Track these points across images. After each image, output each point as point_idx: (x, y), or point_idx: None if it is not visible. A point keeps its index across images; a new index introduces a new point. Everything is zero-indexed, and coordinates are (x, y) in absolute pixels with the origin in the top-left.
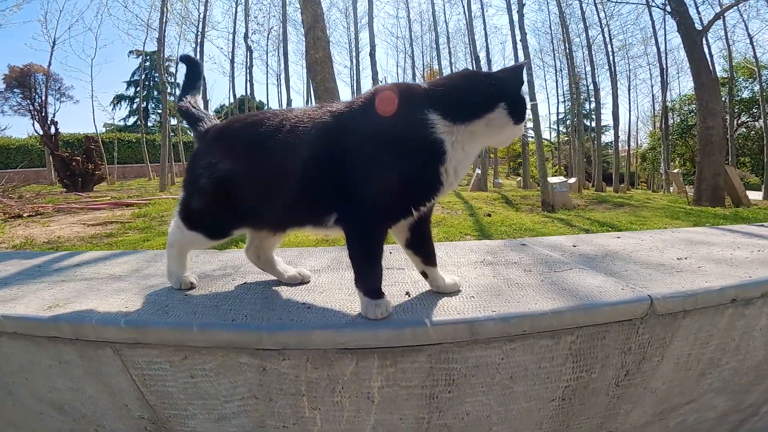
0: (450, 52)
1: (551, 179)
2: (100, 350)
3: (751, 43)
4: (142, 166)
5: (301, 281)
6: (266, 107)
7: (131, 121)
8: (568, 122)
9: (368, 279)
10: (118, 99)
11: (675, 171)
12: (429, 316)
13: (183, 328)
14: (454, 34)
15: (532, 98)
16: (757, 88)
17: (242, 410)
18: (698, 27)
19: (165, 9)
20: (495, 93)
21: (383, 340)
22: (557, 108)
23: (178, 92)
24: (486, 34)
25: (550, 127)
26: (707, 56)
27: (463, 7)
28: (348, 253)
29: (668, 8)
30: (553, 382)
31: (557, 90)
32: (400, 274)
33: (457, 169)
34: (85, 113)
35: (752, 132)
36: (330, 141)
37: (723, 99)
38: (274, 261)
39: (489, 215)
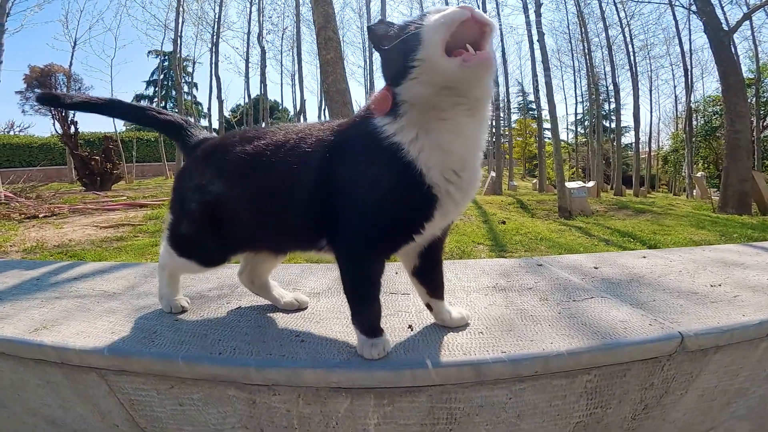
0: None
1: (569, 184)
2: (86, 374)
3: None
4: (160, 164)
5: (297, 308)
6: (281, 106)
7: None
8: (586, 123)
9: (363, 316)
10: (138, 98)
11: (698, 174)
12: (431, 355)
13: (167, 360)
14: None
15: (551, 101)
16: None
17: None
18: (725, 27)
19: (181, 10)
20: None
21: (380, 380)
22: (575, 109)
23: (195, 92)
24: (501, 34)
25: (567, 128)
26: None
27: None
28: (342, 286)
29: (693, 8)
30: (564, 419)
31: (575, 90)
32: (404, 301)
33: (459, 170)
34: None
35: None
36: (317, 163)
37: (749, 100)
38: (269, 286)
39: (503, 222)
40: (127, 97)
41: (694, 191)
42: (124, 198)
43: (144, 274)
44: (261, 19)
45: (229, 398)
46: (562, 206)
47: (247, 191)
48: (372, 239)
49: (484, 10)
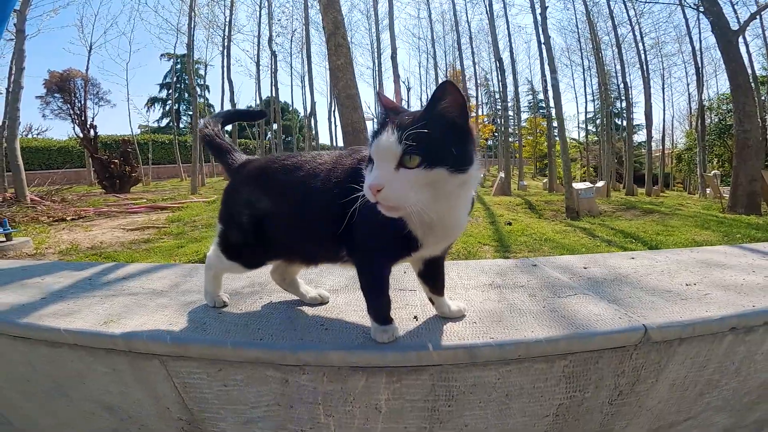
0: (473, 52)
1: (577, 185)
2: (149, 361)
3: None
4: (175, 166)
5: (320, 302)
6: (291, 108)
7: (164, 122)
8: (597, 121)
9: (376, 308)
10: (152, 101)
11: (712, 173)
12: (432, 340)
13: (219, 345)
14: (477, 34)
15: (558, 104)
16: None
17: (266, 415)
18: (734, 27)
19: (192, 14)
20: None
21: (390, 360)
22: (585, 107)
23: (207, 94)
24: (509, 33)
25: (578, 127)
26: (744, 56)
27: (485, 7)
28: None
29: (701, 8)
30: (548, 400)
31: (585, 89)
32: (411, 296)
33: (434, 225)
34: (122, 116)
35: None
36: (341, 193)
37: (762, 98)
38: (297, 283)
39: (509, 223)
40: (142, 101)
41: (707, 190)
42: (144, 200)
43: (183, 274)
44: (270, 23)
45: (266, 378)
46: (570, 207)
47: (287, 211)
48: (378, 254)
49: (492, 12)
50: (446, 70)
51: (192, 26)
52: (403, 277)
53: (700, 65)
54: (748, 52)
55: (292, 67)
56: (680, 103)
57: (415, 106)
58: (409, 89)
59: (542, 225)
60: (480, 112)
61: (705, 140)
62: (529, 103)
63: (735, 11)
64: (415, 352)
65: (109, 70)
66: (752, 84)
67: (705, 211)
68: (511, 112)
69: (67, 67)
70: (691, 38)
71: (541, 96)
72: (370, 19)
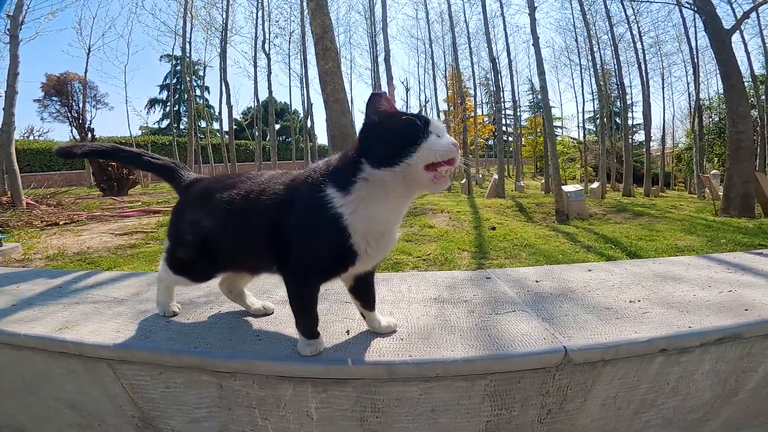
0: (471, 52)
1: (566, 187)
2: (98, 364)
3: None
4: None
5: (264, 313)
6: (290, 108)
7: (164, 123)
8: (597, 121)
9: (302, 323)
10: (152, 103)
11: (713, 172)
12: (355, 355)
13: (157, 352)
14: (475, 34)
15: (546, 105)
16: None
17: (210, 416)
18: (728, 26)
19: (186, 18)
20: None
21: (313, 372)
22: (583, 107)
23: (207, 95)
24: (506, 34)
25: (578, 126)
26: (742, 55)
27: (482, 8)
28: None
29: (695, 7)
30: (474, 417)
31: (583, 89)
32: (351, 309)
33: (370, 237)
34: (121, 118)
35: None
36: (274, 212)
37: (762, 97)
38: (244, 295)
39: (494, 228)
40: (142, 102)
41: (705, 190)
42: (140, 203)
43: (148, 282)
44: (264, 26)
45: (203, 382)
46: (560, 210)
47: (227, 228)
48: (310, 272)
49: (486, 14)
50: (445, 70)
51: (190, 29)
52: (343, 289)
53: (697, 64)
54: (746, 51)
55: (290, 69)
56: (681, 102)
57: (415, 106)
58: (408, 90)
59: (527, 230)
60: (480, 112)
61: (704, 140)
62: (530, 102)
63: (733, 9)
64: (336, 366)
65: (108, 72)
66: (750, 83)
67: (696, 214)
68: (510, 112)
69: (65, 70)
70: (688, 37)
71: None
72: (368, 20)
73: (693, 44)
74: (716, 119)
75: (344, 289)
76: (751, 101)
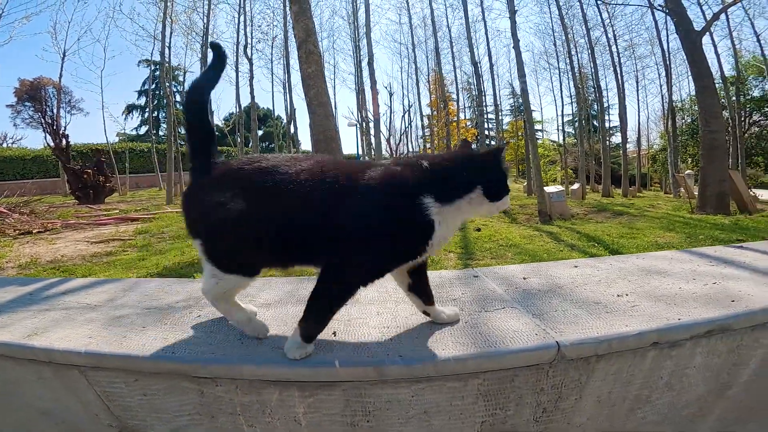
0: (454, 56)
1: (548, 188)
2: (69, 371)
3: (758, 41)
4: (153, 175)
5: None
6: (273, 114)
7: (143, 130)
8: (576, 124)
9: (316, 323)
10: (130, 109)
11: (687, 172)
12: (343, 357)
13: (132, 358)
14: (457, 39)
15: (527, 108)
16: (767, 86)
17: (192, 423)
18: (699, 28)
19: (165, 23)
20: (473, 177)
21: (300, 376)
22: (562, 110)
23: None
24: (488, 38)
25: (558, 129)
26: (713, 56)
27: (464, 12)
28: (311, 293)
29: (667, 9)
30: (468, 417)
31: (561, 92)
32: (342, 310)
33: (441, 240)
34: (97, 124)
35: (764, 131)
36: (338, 201)
37: (732, 98)
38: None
39: (479, 230)
40: (119, 108)
41: (681, 190)
42: (117, 211)
43: (123, 288)
44: (246, 31)
45: (183, 389)
46: (542, 210)
47: (285, 214)
48: (371, 270)
49: (467, 19)
50: (428, 75)
51: (169, 33)
52: None
53: (669, 66)
54: (716, 52)
55: (273, 74)
56: (654, 104)
57: (398, 111)
58: (391, 94)
59: (511, 230)
60: (463, 116)
61: (677, 141)
62: (511, 106)
63: (703, 12)
64: (324, 369)
65: (83, 77)
66: (721, 84)
67: (673, 212)
68: (492, 116)
69: (39, 74)
70: (660, 40)
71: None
72: (351, 24)
73: (665, 47)
74: (689, 120)
75: (302, 292)
76: (722, 102)
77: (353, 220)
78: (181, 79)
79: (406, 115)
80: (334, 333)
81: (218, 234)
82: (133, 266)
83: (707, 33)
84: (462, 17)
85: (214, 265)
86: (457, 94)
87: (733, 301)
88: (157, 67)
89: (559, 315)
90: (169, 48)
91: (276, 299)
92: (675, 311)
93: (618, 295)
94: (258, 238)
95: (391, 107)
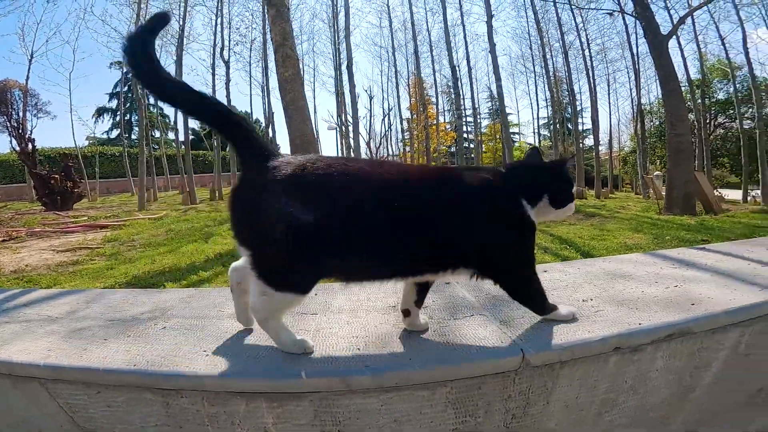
0: (433, 60)
1: None
2: (29, 383)
3: (723, 44)
4: (125, 180)
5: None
6: (251, 117)
7: (114, 134)
8: (551, 127)
9: (540, 299)
10: (100, 112)
11: (656, 173)
12: (310, 368)
13: (92, 371)
14: (437, 42)
15: (502, 111)
16: (732, 89)
17: None
18: (666, 32)
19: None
20: (540, 187)
21: (265, 387)
22: (538, 113)
23: (162, 103)
24: (466, 42)
25: (534, 132)
26: (680, 60)
27: (443, 17)
28: (518, 297)
29: (635, 13)
30: (439, 425)
31: (537, 95)
32: (311, 320)
33: None
34: (65, 127)
35: (729, 133)
36: (468, 207)
37: (698, 101)
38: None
39: None
40: (88, 111)
41: (650, 191)
42: (85, 218)
43: (87, 300)
44: (224, 34)
45: (147, 400)
46: None
47: (368, 219)
48: (532, 262)
49: (446, 23)
50: (408, 78)
51: None
52: (312, 299)
53: (638, 70)
54: (683, 56)
55: (251, 77)
56: (625, 107)
57: (378, 114)
58: (371, 98)
59: None
60: (442, 119)
61: (646, 143)
62: (489, 109)
63: (670, 16)
64: (289, 381)
65: (51, 79)
66: (687, 87)
67: (642, 214)
68: (471, 119)
69: (5, 77)
70: (630, 44)
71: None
72: (331, 28)
73: (634, 51)
74: (657, 123)
75: (307, 302)
76: (689, 105)
77: (489, 223)
78: None
79: (386, 119)
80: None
81: (284, 244)
82: (101, 276)
83: (674, 37)
84: (441, 21)
85: (268, 280)
86: (437, 98)
87: (693, 304)
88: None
89: (525, 322)
90: None
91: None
92: (637, 316)
93: (584, 300)
94: (349, 248)
95: (371, 110)
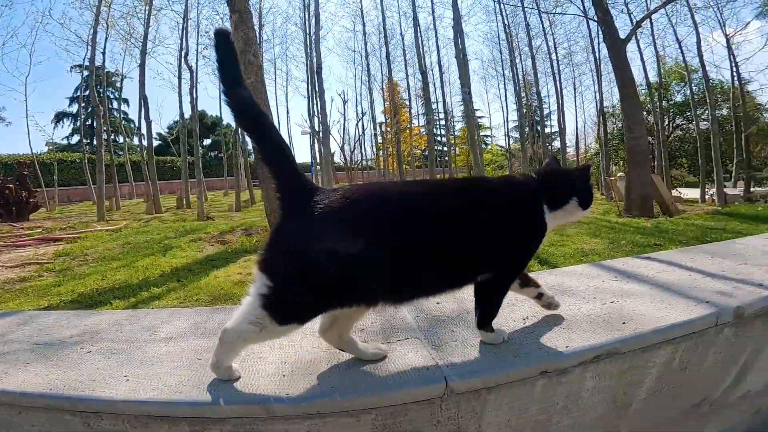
0: (406, 64)
1: None
2: None
3: (680, 48)
4: (86, 188)
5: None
6: (222, 122)
7: (75, 139)
8: (520, 130)
9: (490, 316)
10: (60, 117)
11: (619, 174)
12: (230, 393)
13: (9, 393)
14: (410, 47)
15: (469, 115)
16: (689, 92)
17: None
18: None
19: (98, 29)
20: (570, 190)
21: (184, 412)
22: (508, 116)
23: (126, 108)
24: (438, 46)
25: (506, 135)
26: (640, 63)
27: (414, 21)
28: (486, 296)
29: (596, 18)
30: None
31: (506, 98)
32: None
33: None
34: (21, 133)
35: (687, 134)
36: (496, 215)
37: (656, 103)
38: (355, 341)
39: None
40: (47, 117)
41: (612, 193)
42: (40, 230)
43: (18, 322)
44: (187, 38)
45: (67, 421)
46: None
47: (409, 239)
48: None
49: (417, 29)
50: (382, 82)
51: (104, 39)
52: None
53: (600, 74)
54: (642, 59)
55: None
56: (591, 110)
57: (352, 118)
58: (345, 102)
59: None
60: (417, 123)
61: (609, 145)
62: (462, 113)
63: (632, 21)
64: (209, 406)
65: (6, 84)
66: (646, 90)
67: (602, 216)
68: (444, 122)
69: None
70: (593, 48)
71: (476, 105)
72: (304, 32)
73: (597, 55)
74: (619, 125)
75: (220, 324)
76: (648, 107)
77: (510, 232)
78: (118, 85)
79: (360, 123)
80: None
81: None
82: (47, 293)
83: (635, 41)
84: (414, 25)
85: (274, 313)
86: (410, 101)
87: (624, 323)
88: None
89: (458, 345)
90: (104, 54)
91: (180, 332)
92: (566, 337)
93: (523, 319)
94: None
95: (344, 115)
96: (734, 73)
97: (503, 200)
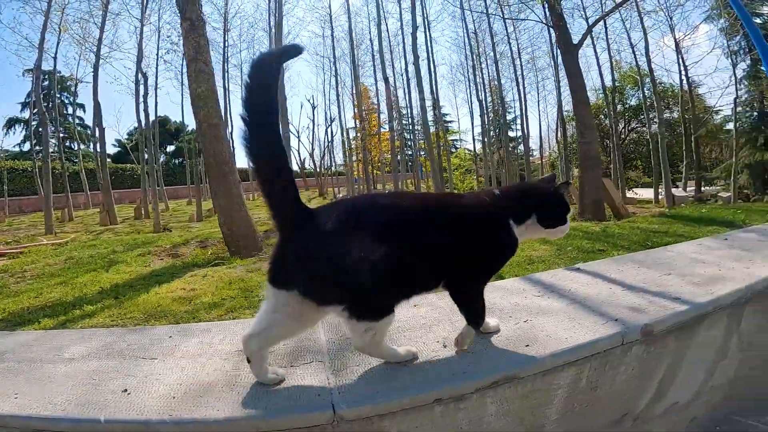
0: (375, 69)
1: None
2: None
3: (633, 52)
4: (39, 198)
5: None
6: (185, 128)
7: (28, 146)
8: (486, 135)
9: (478, 318)
10: (11, 123)
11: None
12: (115, 413)
13: None
14: (379, 52)
15: (425, 122)
16: (642, 95)
17: None
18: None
19: (46, 35)
20: (529, 207)
21: (65, 428)
22: (474, 121)
23: (81, 113)
24: (405, 52)
25: (474, 139)
26: (596, 68)
27: (378, 28)
28: (463, 301)
29: (550, 23)
30: None
31: (471, 104)
32: (145, 365)
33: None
34: None
35: (641, 137)
36: (470, 229)
37: (610, 108)
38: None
39: None
40: None
41: (571, 196)
42: None
43: None
44: (142, 45)
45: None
46: None
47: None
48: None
49: (380, 34)
50: (352, 88)
51: (56, 44)
52: (158, 345)
53: (559, 78)
54: (598, 64)
55: (183, 85)
56: (553, 114)
57: (321, 123)
58: (314, 107)
59: None
60: (387, 128)
61: (568, 149)
62: (433, 118)
63: (588, 24)
64: (88, 424)
65: None
66: (602, 94)
67: None
68: (418, 127)
69: None
70: (553, 53)
71: (445, 110)
72: (272, 38)
73: (557, 60)
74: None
75: (131, 346)
76: (605, 111)
77: (480, 243)
78: (73, 89)
79: (329, 129)
80: (125, 390)
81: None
82: None
83: (590, 47)
84: (385, 30)
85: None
86: (378, 106)
87: (527, 345)
88: (46, 77)
89: (359, 370)
90: (55, 58)
91: (86, 353)
92: (468, 360)
93: (437, 341)
94: (406, 274)
95: (314, 120)
96: (683, 77)
97: (476, 214)
